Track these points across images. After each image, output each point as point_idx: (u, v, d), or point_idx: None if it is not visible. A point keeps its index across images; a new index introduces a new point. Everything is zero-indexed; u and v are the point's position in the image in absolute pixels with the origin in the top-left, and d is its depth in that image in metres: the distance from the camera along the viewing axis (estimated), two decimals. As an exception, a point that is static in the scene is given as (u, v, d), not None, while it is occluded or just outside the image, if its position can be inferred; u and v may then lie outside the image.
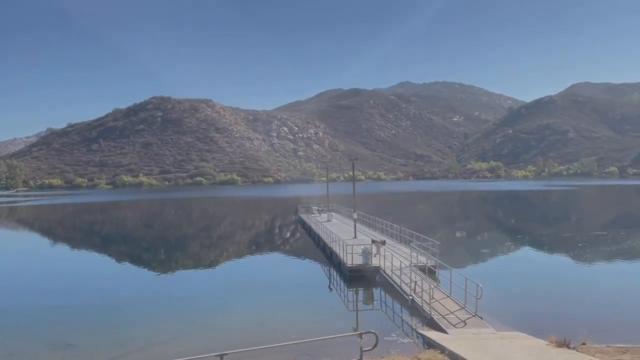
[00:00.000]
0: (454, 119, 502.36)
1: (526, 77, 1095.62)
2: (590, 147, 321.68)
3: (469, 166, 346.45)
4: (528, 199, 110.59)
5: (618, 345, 15.20)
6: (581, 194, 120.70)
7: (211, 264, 35.27)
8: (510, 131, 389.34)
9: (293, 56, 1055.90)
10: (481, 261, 33.23)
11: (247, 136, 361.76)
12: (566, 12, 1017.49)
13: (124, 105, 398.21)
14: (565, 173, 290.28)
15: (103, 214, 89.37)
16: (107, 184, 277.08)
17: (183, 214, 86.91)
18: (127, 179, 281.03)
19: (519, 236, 46.88)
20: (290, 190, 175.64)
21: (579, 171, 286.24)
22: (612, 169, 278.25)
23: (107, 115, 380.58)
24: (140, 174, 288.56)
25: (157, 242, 49.06)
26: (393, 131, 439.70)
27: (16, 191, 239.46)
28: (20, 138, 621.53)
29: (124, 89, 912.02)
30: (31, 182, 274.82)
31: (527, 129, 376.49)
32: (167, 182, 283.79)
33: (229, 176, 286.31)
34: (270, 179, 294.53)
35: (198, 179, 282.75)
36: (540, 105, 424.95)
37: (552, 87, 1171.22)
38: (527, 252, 37.65)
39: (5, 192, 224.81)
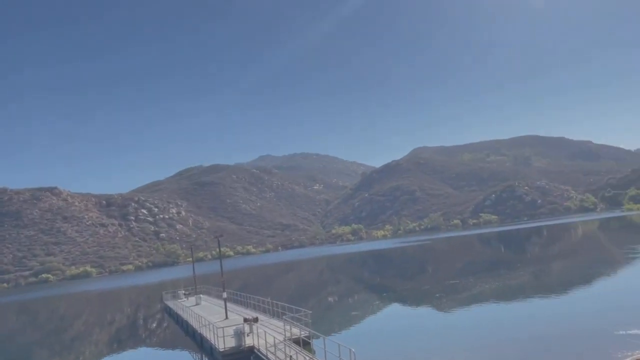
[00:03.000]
0: (315, 187, 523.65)
1: (374, 144, 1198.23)
2: (435, 203, 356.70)
3: (333, 231, 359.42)
4: (389, 256, 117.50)
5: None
6: (433, 247, 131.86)
7: (64, 373, 30.92)
8: (366, 195, 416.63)
9: (145, 135, 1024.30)
10: (354, 324, 34.04)
11: (100, 222, 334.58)
12: (396, 80, 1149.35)
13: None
14: (417, 229, 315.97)
15: None
16: None
17: (26, 318, 75.83)
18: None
19: (384, 294, 49.19)
20: (154, 276, 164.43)
21: (429, 226, 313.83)
22: (456, 221, 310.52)
23: None
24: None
25: (-7, 358, 41.78)
26: (258, 204, 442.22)
27: None
28: None
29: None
30: None
31: (381, 191, 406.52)
32: (5, 284, 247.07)
33: (82, 269, 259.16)
34: (131, 267, 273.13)
35: (44, 275, 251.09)
36: (389, 169, 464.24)
37: (397, 152, 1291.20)
38: (393, 309, 39.57)
39: None
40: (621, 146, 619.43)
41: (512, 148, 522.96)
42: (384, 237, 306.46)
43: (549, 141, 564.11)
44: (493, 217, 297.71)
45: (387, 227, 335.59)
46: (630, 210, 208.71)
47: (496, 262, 70.11)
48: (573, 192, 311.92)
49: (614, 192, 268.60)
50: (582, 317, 27.06)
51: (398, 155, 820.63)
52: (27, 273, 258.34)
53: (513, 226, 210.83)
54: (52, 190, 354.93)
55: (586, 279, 41.35)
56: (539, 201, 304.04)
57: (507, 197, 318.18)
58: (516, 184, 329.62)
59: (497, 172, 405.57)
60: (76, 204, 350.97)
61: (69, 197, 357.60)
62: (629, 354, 18.92)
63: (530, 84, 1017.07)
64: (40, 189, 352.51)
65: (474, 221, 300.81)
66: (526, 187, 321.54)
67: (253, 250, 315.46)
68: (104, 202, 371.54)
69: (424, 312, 35.75)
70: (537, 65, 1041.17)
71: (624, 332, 22.29)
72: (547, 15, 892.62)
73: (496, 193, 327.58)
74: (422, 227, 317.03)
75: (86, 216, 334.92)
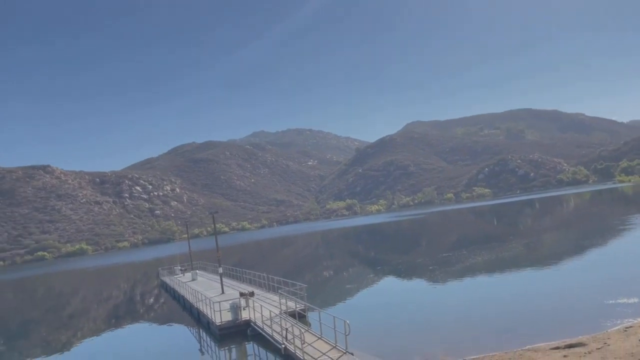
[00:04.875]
0: (309, 163, 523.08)
1: (368, 120, 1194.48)
2: (429, 177, 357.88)
3: (327, 206, 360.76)
4: (383, 230, 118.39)
5: (472, 357, 16.88)
6: (427, 221, 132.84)
7: (64, 348, 31.31)
8: (360, 170, 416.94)
9: (137, 113, 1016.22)
10: (348, 297, 34.51)
11: (95, 200, 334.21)
12: (390, 55, 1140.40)
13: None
14: (411, 203, 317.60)
15: None
16: None
17: (24, 296, 76.29)
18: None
19: (378, 267, 49.75)
20: (150, 253, 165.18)
21: (422, 200, 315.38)
22: (449, 195, 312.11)
23: None
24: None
25: (-8, 335, 42.15)
26: (252, 180, 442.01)
27: None
28: None
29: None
30: None
31: (375, 166, 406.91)
32: (1, 262, 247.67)
33: (77, 246, 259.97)
34: (126, 244, 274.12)
35: (40, 253, 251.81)
36: (383, 144, 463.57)
37: (391, 127, 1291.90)
38: (387, 282, 40.09)
39: None
40: (614, 118, 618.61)
41: (506, 121, 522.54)
42: (378, 211, 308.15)
43: (542, 114, 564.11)
44: (486, 190, 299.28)
45: (381, 201, 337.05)
46: (622, 182, 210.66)
47: (489, 235, 70.87)
48: (565, 164, 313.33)
49: (605, 164, 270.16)
50: (573, 288, 27.55)
51: (392, 130, 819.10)
52: (22, 251, 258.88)
53: (506, 199, 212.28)
54: (44, 169, 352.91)
55: (577, 251, 41.95)
56: (532, 174, 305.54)
57: (500, 170, 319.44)
58: (509, 157, 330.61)
59: (491, 145, 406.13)
60: (69, 182, 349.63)
61: (62, 175, 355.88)
62: (618, 322, 19.38)
63: (524, 59, 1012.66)
64: (32, 167, 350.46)
65: (467, 195, 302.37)
66: (519, 160, 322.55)
67: (248, 226, 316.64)
68: (97, 179, 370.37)
69: (417, 285, 36.28)
70: (531, 40, 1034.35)
71: (613, 302, 22.76)
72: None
73: (489, 166, 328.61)
74: (416, 201, 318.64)
75: (80, 194, 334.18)
